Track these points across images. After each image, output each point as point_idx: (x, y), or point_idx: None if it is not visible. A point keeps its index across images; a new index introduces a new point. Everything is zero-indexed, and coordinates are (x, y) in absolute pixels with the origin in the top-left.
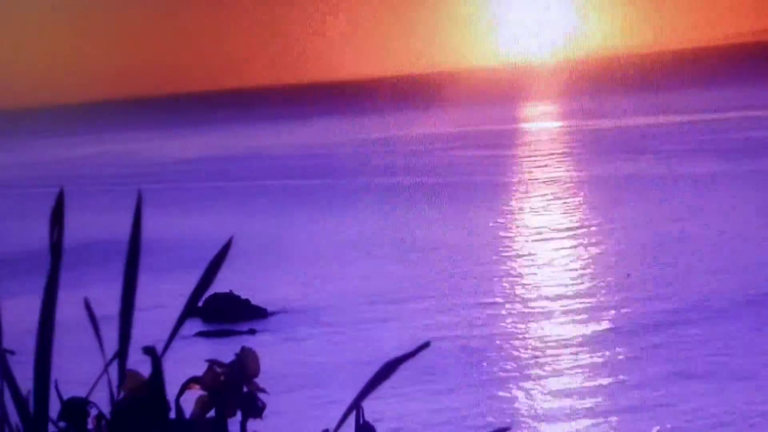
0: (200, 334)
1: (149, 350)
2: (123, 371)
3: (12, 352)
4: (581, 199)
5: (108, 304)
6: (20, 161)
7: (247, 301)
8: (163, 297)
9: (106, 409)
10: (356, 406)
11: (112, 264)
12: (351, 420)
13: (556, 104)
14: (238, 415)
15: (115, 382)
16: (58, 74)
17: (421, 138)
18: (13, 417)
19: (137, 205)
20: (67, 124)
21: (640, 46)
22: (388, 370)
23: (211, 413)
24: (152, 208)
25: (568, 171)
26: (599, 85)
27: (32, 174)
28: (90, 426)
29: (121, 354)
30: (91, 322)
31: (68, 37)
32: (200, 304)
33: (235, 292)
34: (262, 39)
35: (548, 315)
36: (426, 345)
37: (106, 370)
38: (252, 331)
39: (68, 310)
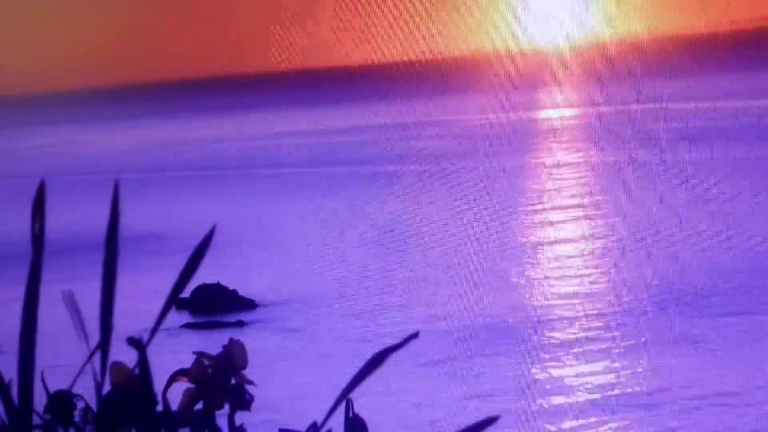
0: (187, 325)
1: (134, 342)
2: (105, 363)
3: None
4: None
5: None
6: None
7: (234, 292)
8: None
9: (92, 401)
10: (345, 397)
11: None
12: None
13: (576, 90)
14: (226, 408)
15: (99, 374)
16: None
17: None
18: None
19: (114, 194)
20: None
21: (666, 29)
22: (376, 361)
23: (199, 406)
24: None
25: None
26: (629, 69)
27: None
28: (76, 419)
29: (104, 345)
30: (75, 314)
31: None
32: (187, 295)
33: (223, 283)
34: (263, 22)
35: None
36: (415, 335)
37: (88, 361)
38: (240, 323)
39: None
